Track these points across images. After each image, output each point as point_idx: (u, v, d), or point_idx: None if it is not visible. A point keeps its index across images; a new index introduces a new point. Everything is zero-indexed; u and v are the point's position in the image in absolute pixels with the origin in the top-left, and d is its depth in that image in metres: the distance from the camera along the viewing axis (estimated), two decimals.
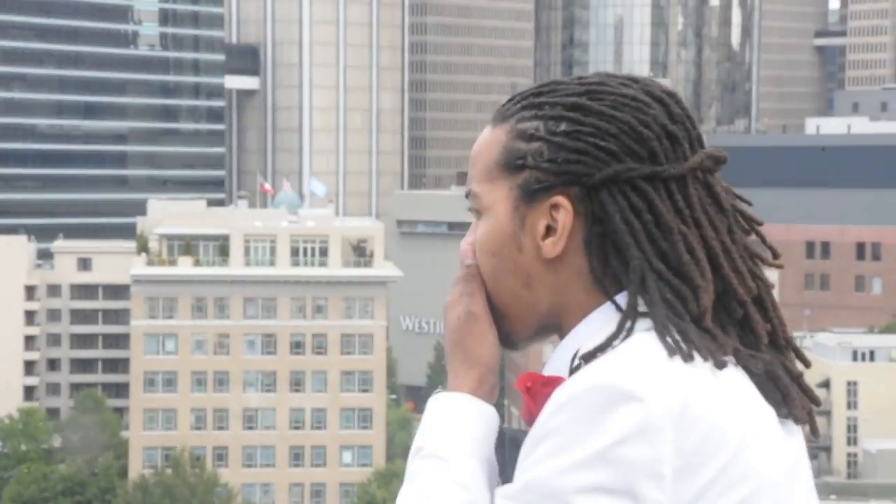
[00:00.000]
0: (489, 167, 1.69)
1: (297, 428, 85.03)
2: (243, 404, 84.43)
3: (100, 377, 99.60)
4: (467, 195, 1.72)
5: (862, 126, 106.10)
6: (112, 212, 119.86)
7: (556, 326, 1.69)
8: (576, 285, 1.66)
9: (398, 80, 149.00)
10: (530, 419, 1.62)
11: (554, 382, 1.60)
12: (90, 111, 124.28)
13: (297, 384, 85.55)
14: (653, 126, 1.65)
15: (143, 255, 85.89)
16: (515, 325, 1.70)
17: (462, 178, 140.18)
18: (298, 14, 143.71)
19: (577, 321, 1.66)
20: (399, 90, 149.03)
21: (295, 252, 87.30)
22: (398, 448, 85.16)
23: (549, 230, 1.65)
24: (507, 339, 1.72)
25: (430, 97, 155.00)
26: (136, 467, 79.34)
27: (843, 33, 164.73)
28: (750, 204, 1.73)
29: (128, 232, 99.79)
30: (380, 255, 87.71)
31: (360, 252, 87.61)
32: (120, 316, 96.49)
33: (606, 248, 1.64)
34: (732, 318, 1.65)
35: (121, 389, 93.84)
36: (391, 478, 74.68)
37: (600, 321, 1.65)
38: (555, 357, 1.68)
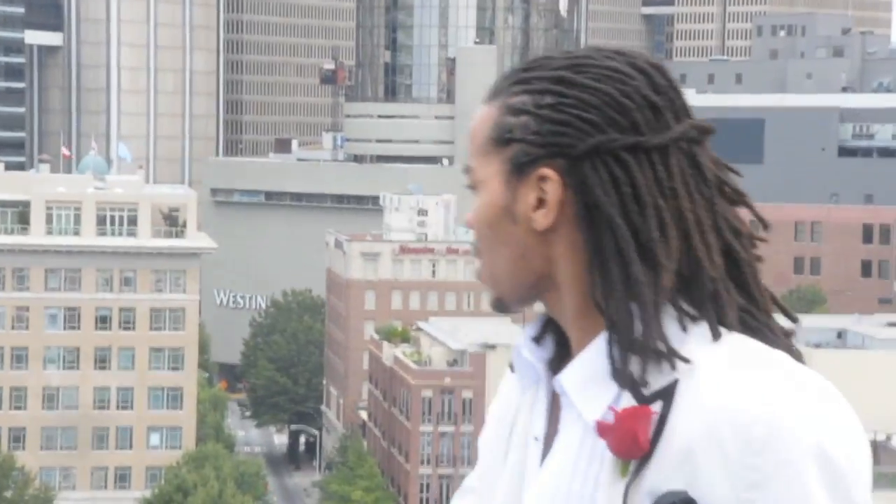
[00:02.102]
0: (483, 143, 1.75)
1: (101, 408, 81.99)
2: (43, 382, 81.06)
3: None
4: (465, 171, 1.79)
5: (689, 98, 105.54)
6: None
7: (547, 293, 1.76)
8: (570, 258, 1.72)
9: (213, 40, 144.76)
10: (625, 450, 1.66)
11: (641, 414, 1.66)
12: None
13: (102, 361, 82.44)
14: (634, 96, 1.69)
15: None
16: (508, 291, 1.77)
17: (281, 145, 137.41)
18: None
19: (570, 292, 1.72)
20: (214, 51, 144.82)
21: (101, 221, 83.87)
22: (209, 429, 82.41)
23: (541, 202, 1.71)
24: (499, 302, 1.78)
25: (246, 59, 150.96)
26: None
27: (670, 2, 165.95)
28: (739, 175, 1.75)
29: None
30: (192, 226, 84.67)
31: (171, 221, 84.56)
32: None
33: (594, 220, 1.70)
34: (705, 294, 1.71)
35: None
36: (202, 461, 71.91)
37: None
38: (588, 371, 1.72)
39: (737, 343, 1.67)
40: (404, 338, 79.53)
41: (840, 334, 73.80)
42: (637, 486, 1.63)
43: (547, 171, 1.67)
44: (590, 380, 1.68)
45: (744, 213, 1.75)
